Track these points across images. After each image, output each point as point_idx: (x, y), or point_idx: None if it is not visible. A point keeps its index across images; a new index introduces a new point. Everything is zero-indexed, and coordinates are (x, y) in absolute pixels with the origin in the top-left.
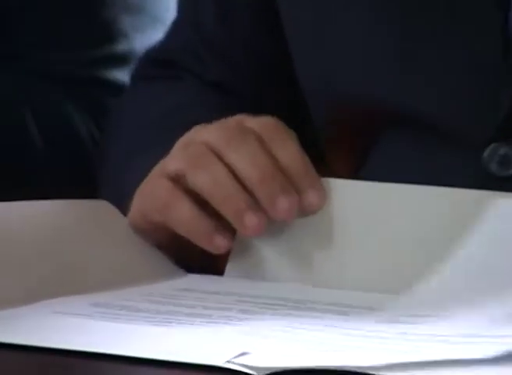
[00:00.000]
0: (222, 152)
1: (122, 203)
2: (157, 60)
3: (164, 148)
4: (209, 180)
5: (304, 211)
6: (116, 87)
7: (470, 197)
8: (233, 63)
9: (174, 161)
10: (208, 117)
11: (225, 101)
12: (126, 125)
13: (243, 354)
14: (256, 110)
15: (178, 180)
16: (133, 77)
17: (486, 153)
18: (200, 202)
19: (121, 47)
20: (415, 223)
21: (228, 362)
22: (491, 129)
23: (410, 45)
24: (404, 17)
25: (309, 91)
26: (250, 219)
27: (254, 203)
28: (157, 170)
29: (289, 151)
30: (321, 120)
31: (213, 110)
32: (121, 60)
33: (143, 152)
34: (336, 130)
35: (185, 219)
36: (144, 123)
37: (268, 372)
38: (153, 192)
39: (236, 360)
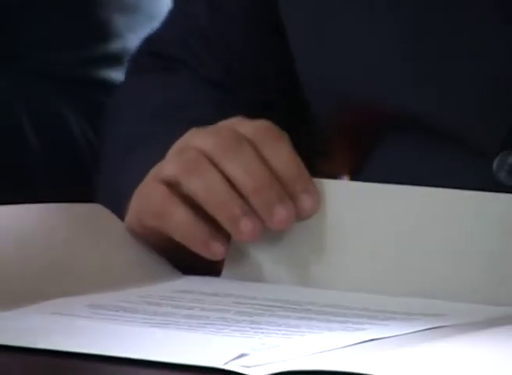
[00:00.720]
0: (218, 161)
1: (119, 199)
2: (152, 52)
3: (162, 142)
4: (203, 187)
5: (299, 215)
6: (111, 87)
7: (465, 197)
8: (227, 58)
9: (169, 166)
10: (206, 112)
11: (220, 96)
12: (123, 118)
13: (241, 355)
14: (252, 105)
15: (173, 186)
16: (129, 68)
17: (496, 162)
18: (196, 208)
19: (115, 46)
20: (410, 224)
21: (226, 363)
22: (500, 137)
23: (419, 47)
24: (411, 19)
25: (310, 90)
26: (246, 225)
27: (249, 209)
28: (153, 174)
29: (281, 155)
30: (323, 119)
31: (209, 104)
32: (116, 60)
33: (141, 146)
34: (338, 129)
35: (181, 225)
36: (142, 116)
37: (266, 373)
38: (149, 197)
39: (235, 362)
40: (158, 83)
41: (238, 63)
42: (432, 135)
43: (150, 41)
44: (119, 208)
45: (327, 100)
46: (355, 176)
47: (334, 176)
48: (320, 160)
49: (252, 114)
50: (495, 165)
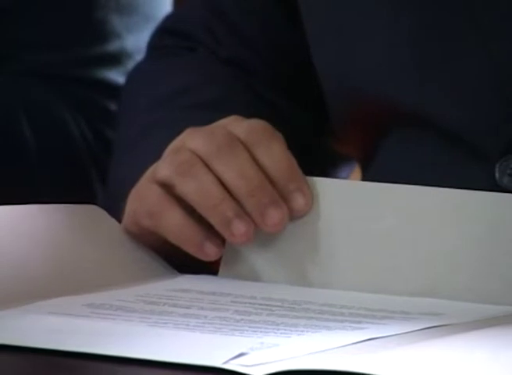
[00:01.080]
0: (211, 163)
1: (118, 204)
2: (172, 30)
3: (166, 130)
4: (196, 189)
5: (293, 215)
6: (108, 87)
7: (461, 196)
8: (247, 39)
9: (163, 167)
10: (220, 93)
11: (238, 77)
12: (136, 106)
13: (240, 355)
14: (269, 88)
15: (168, 187)
16: (149, 46)
17: (498, 166)
18: (190, 209)
19: (113, 47)
20: (406, 222)
21: (225, 363)
22: (504, 141)
23: (425, 46)
24: (418, 20)
25: (323, 78)
26: (238, 228)
27: (242, 212)
28: (148, 175)
29: (274, 155)
30: (335, 109)
31: (221, 85)
32: (113, 60)
33: (144, 138)
34: (349, 120)
35: (175, 226)
36: (152, 106)
37: (266, 372)
38: (144, 198)
39: (234, 361)
40: (175, 67)
41: (260, 39)
42: (434, 135)
43: (171, 20)
44: (118, 209)
45: (339, 91)
46: (363, 168)
47: (348, 159)
48: (335, 144)
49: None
50: (497, 169)
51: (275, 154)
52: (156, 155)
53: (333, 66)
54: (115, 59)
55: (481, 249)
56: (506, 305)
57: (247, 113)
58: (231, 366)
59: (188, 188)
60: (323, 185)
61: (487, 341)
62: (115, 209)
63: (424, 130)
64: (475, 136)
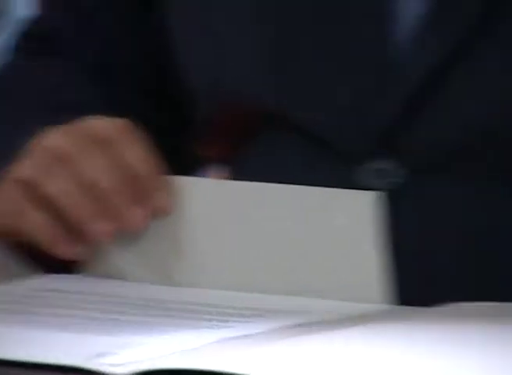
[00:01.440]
0: (72, 162)
1: None
2: (35, 34)
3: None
4: (57, 188)
5: (156, 214)
6: None
7: (322, 194)
8: (101, 40)
9: (25, 167)
10: (79, 98)
11: (96, 80)
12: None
13: (106, 354)
14: (129, 90)
15: (30, 185)
16: (13, 49)
17: (364, 167)
18: (53, 208)
19: None
20: (271, 221)
21: (90, 362)
22: (370, 143)
23: (281, 49)
24: (281, 18)
25: (188, 80)
26: (100, 226)
27: (104, 210)
28: (10, 173)
29: (135, 155)
30: (202, 110)
31: (83, 91)
32: None
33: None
34: (212, 122)
35: (33, 224)
36: (22, 105)
37: (131, 371)
38: (5, 198)
39: (99, 360)
40: (39, 70)
41: (110, 53)
42: (299, 137)
43: (34, 23)
44: None
45: (205, 93)
46: (231, 170)
47: (210, 163)
48: (199, 147)
49: (121, 106)
50: (363, 170)
51: (136, 153)
52: (5, 157)
53: (200, 69)
54: None
55: (344, 247)
56: (372, 303)
57: (106, 116)
58: (96, 366)
59: (49, 187)
60: (187, 184)
61: (351, 337)
62: None
63: (289, 132)
64: (339, 138)
